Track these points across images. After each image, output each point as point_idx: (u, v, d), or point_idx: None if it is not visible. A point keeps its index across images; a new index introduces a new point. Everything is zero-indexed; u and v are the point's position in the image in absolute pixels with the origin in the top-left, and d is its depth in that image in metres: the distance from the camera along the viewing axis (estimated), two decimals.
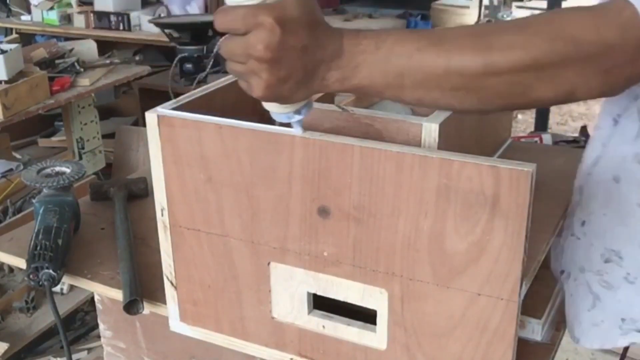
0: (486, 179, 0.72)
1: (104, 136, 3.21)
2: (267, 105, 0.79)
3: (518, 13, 7.26)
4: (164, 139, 0.88)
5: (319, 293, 0.87)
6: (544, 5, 3.98)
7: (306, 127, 0.80)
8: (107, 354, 1.22)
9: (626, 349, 1.18)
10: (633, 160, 0.86)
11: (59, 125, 3.27)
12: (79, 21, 3.94)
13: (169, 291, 0.97)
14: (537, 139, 2.60)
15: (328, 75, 0.73)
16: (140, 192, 1.33)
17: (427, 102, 0.77)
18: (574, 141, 2.70)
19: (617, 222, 0.89)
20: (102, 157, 3.17)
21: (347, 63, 0.73)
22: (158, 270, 0.98)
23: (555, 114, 4.72)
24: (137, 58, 3.65)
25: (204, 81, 2.92)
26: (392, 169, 0.76)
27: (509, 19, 6.81)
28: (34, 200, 1.23)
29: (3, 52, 2.45)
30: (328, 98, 1.07)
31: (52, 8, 4.00)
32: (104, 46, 3.46)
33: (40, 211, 1.17)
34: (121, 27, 3.81)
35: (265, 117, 0.82)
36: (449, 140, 0.89)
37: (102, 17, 3.85)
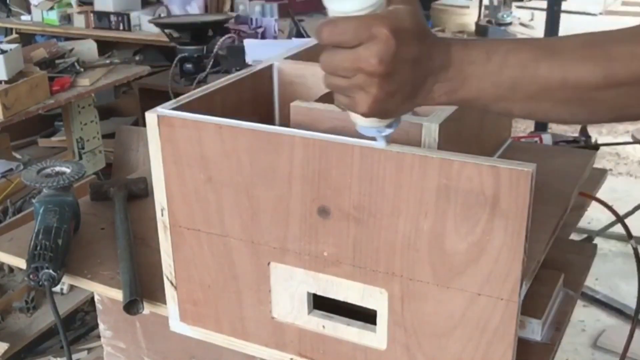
0: (486, 179, 0.72)
1: (104, 136, 3.21)
2: (358, 118, 0.73)
3: (518, 13, 7.27)
4: (164, 139, 0.88)
5: (319, 293, 0.87)
6: (544, 5, 3.98)
7: (306, 127, 0.80)
8: (107, 354, 1.22)
9: (626, 349, 1.18)
10: None
11: (59, 125, 3.27)
12: (79, 21, 3.94)
13: (169, 291, 0.97)
14: (537, 139, 2.60)
15: (435, 87, 0.69)
16: (140, 192, 1.34)
17: (537, 115, 0.75)
18: (574, 141, 2.71)
19: None
20: (102, 157, 3.16)
21: (455, 75, 0.69)
22: (158, 270, 0.98)
23: None
24: (137, 58, 3.65)
25: (204, 81, 2.92)
26: (392, 169, 0.76)
27: (509, 19, 6.81)
28: (34, 200, 1.23)
29: (3, 52, 2.45)
30: (328, 98, 1.07)
31: (52, 8, 4.00)
32: (104, 46, 3.46)
33: (40, 211, 1.17)
34: (121, 27, 3.80)
35: (266, 117, 0.82)
36: (449, 140, 0.89)
37: (102, 17, 3.85)
